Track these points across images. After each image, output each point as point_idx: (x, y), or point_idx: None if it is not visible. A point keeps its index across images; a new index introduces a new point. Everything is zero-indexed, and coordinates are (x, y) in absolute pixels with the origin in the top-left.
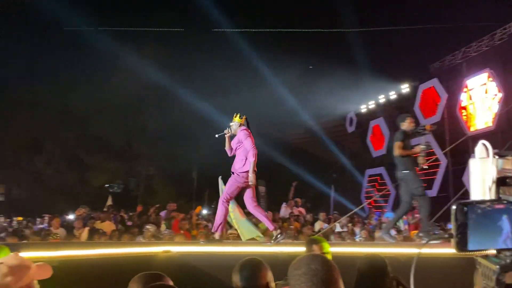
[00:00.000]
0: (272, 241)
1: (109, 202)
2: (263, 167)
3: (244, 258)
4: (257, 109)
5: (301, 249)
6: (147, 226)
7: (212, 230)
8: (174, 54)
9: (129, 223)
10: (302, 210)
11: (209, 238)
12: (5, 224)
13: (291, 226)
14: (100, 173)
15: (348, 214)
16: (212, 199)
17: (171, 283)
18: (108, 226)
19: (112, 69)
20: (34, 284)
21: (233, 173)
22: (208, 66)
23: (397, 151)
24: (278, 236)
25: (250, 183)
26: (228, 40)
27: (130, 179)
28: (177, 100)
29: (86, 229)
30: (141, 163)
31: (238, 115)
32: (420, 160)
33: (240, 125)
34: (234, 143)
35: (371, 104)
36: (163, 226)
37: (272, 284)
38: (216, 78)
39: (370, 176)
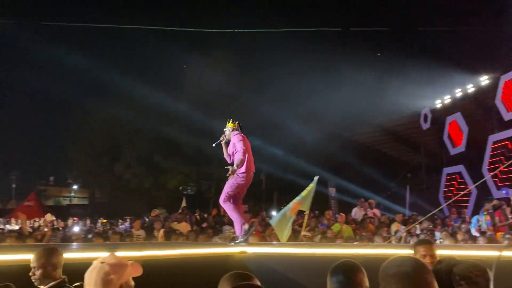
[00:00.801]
0: (232, 243)
1: (184, 204)
2: (332, 168)
3: (339, 261)
4: (325, 109)
5: (376, 251)
6: (228, 230)
7: (237, 234)
8: (244, 57)
9: (203, 224)
10: (377, 211)
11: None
12: (91, 226)
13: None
14: (174, 177)
15: (428, 215)
16: (282, 201)
17: (258, 283)
18: (184, 227)
19: (183, 75)
20: (130, 281)
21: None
22: (277, 68)
23: None
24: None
25: (229, 173)
26: (297, 41)
27: (202, 182)
28: (244, 104)
29: (162, 230)
30: (212, 166)
31: (230, 121)
32: None
33: (233, 129)
34: (230, 148)
35: (447, 99)
36: None
37: None
38: (285, 80)
39: (448, 175)
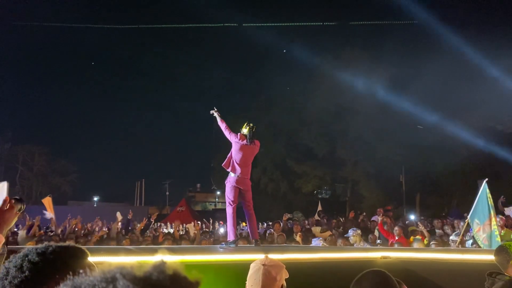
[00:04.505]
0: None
1: (319, 207)
2: (483, 165)
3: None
4: (476, 103)
5: None
6: (353, 232)
7: (228, 239)
8: (384, 53)
9: (341, 228)
10: None
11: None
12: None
13: None
14: (309, 180)
15: None
16: (425, 203)
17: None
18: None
19: (313, 80)
20: (284, 282)
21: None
22: (412, 64)
23: None
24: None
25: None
26: (434, 33)
27: (336, 185)
28: (379, 104)
29: (299, 234)
30: (346, 168)
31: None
32: None
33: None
34: None
35: None
36: (376, 232)
37: None
38: (423, 74)
39: None
